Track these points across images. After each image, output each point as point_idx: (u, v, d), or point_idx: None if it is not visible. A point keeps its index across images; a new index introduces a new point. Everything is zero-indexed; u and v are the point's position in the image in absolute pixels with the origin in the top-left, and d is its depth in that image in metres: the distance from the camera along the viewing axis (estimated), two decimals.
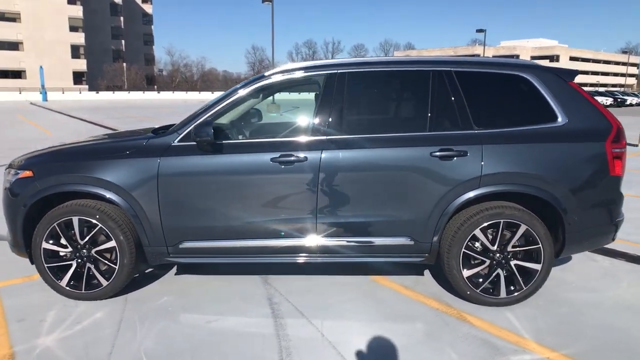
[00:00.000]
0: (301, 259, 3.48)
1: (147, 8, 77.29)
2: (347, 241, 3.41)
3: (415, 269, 4.06)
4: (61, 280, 3.46)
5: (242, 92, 3.51)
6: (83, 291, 3.46)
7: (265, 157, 3.31)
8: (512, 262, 3.38)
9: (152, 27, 78.98)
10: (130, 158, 3.36)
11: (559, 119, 3.36)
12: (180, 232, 3.42)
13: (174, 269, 4.11)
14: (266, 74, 3.58)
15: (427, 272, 4.03)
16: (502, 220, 3.30)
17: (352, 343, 2.94)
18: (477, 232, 3.32)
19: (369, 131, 3.47)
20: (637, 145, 12.87)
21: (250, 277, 3.94)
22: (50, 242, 3.41)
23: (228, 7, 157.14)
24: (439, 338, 3.00)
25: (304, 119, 3.62)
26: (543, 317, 3.28)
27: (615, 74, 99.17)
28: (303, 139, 3.41)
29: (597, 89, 62.89)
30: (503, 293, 3.38)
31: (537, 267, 3.36)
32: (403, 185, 3.31)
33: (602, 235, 3.51)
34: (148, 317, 3.27)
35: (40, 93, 42.19)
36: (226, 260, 3.51)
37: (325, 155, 3.30)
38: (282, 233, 3.40)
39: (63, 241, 3.44)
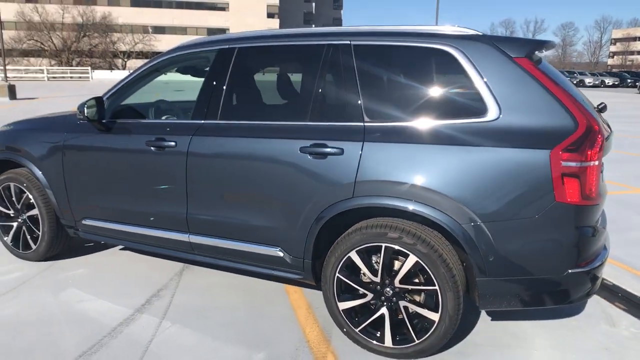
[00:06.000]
0: (180, 253, 3.19)
1: None
2: (218, 242, 2.98)
3: None
4: (7, 237, 3.85)
5: (141, 70, 3.31)
6: (20, 250, 3.79)
7: (141, 140, 3.08)
8: (402, 303, 2.52)
9: (342, 11, 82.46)
10: (48, 132, 3.51)
11: (489, 112, 2.32)
12: (82, 209, 3.44)
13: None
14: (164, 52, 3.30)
15: None
16: (383, 245, 2.46)
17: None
18: (354, 256, 2.55)
19: (245, 117, 2.93)
20: None
21: (171, 264, 3.79)
22: None
23: None
24: None
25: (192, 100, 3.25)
26: None
27: None
28: (181, 121, 3.07)
29: None
30: (388, 340, 2.55)
31: (434, 316, 2.44)
32: (270, 184, 2.71)
33: (551, 288, 2.34)
34: (44, 285, 3.41)
35: None
36: (119, 243, 3.45)
37: (193, 141, 2.91)
38: (160, 223, 3.14)
39: (7, 203, 3.80)
